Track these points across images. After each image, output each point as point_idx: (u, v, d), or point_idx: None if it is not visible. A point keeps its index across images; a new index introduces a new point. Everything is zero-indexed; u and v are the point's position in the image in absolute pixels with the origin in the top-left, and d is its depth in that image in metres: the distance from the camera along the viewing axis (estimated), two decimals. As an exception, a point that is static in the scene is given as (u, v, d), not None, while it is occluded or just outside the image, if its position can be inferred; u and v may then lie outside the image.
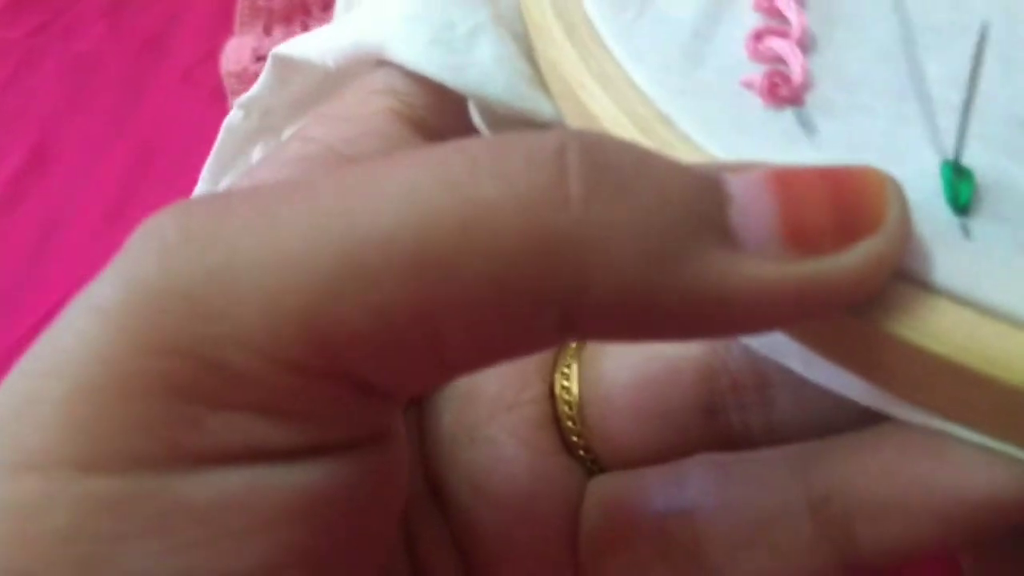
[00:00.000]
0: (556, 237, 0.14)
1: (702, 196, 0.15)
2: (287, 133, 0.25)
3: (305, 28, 0.42)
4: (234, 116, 0.25)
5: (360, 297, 0.14)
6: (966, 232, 0.16)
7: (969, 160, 0.17)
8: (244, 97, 0.25)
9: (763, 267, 0.15)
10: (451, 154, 0.15)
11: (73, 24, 0.48)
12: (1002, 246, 0.16)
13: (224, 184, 0.26)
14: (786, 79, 0.18)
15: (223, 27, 0.44)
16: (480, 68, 0.20)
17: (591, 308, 0.14)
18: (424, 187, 0.14)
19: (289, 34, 0.41)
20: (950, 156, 0.17)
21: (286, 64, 0.23)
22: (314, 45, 0.23)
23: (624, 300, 0.14)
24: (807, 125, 0.18)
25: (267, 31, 0.42)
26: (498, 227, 0.14)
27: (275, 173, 0.19)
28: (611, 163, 0.15)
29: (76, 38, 0.47)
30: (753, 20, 0.19)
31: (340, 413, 0.15)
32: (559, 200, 0.14)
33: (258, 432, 0.14)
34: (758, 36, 0.19)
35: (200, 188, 0.25)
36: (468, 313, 0.14)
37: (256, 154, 0.26)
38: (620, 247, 0.14)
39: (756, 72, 0.18)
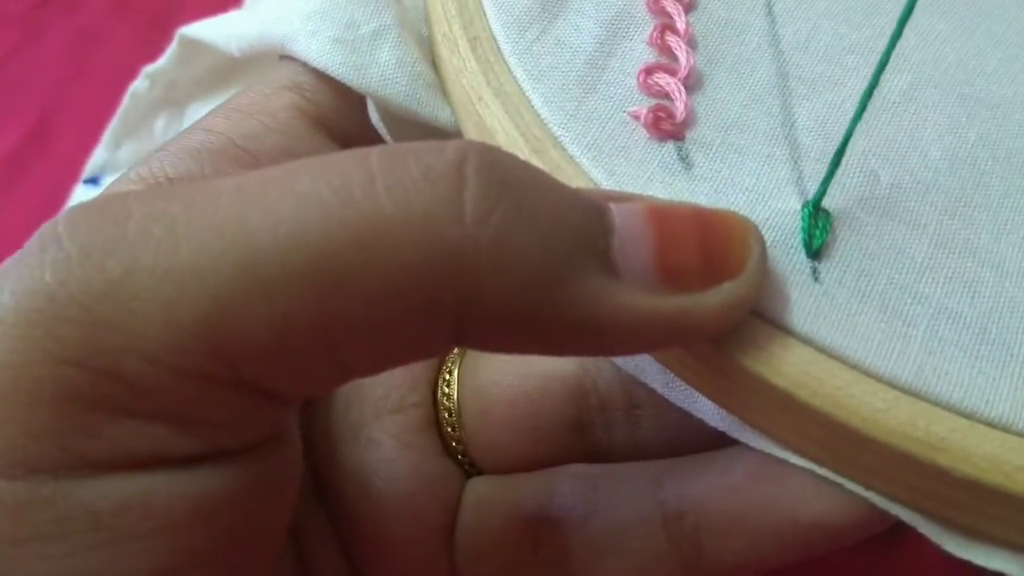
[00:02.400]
0: (451, 252, 0.15)
1: (590, 223, 0.16)
2: (190, 108, 0.25)
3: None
4: (140, 84, 0.25)
5: (258, 308, 0.14)
6: (815, 275, 0.18)
7: (826, 204, 0.18)
8: (151, 67, 0.25)
9: (636, 297, 0.16)
10: (349, 165, 0.15)
11: (76, -2, 0.46)
12: (844, 292, 0.18)
13: (124, 150, 0.26)
14: (670, 114, 0.19)
15: (227, 3, 0.43)
16: (381, 70, 0.21)
17: (481, 320, 0.15)
18: (322, 199, 0.14)
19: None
20: (810, 199, 0.18)
21: (193, 45, 0.24)
22: (221, 30, 0.23)
23: (512, 315, 0.15)
24: (685, 160, 0.19)
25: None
26: (394, 242, 0.14)
27: (175, 163, 0.19)
28: (509, 181, 0.15)
29: (79, 12, 0.46)
30: (646, 55, 0.20)
31: (239, 419, 0.15)
32: (455, 215, 0.15)
33: (157, 439, 0.15)
34: (648, 71, 0.20)
35: (100, 151, 0.26)
36: (364, 322, 0.15)
37: (159, 124, 0.26)
38: (513, 265, 0.15)
39: (644, 105, 0.20)
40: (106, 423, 0.14)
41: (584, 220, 0.16)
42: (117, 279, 0.14)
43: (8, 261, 0.15)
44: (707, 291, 0.16)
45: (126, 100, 0.25)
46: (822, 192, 0.18)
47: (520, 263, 0.15)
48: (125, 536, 0.14)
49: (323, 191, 0.15)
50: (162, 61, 0.24)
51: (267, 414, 0.16)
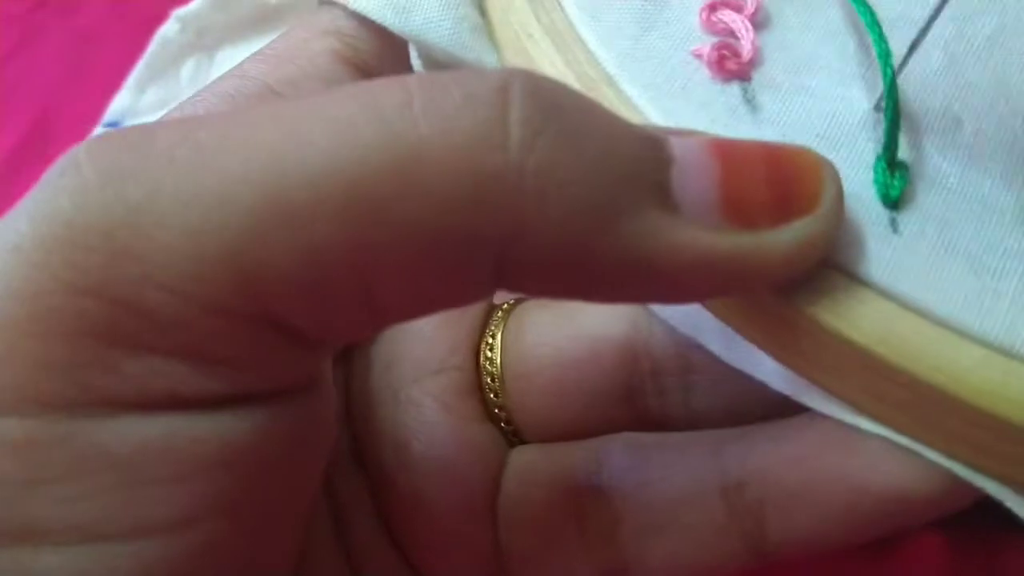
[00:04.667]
0: (493, 180, 0.13)
1: (646, 154, 0.15)
2: (220, 55, 0.24)
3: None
4: (169, 28, 0.24)
5: (287, 237, 0.13)
6: (894, 226, 0.16)
7: (904, 154, 0.17)
8: (182, 10, 0.24)
9: (698, 234, 0.15)
10: (386, 89, 0.14)
11: (75, 0, 0.46)
12: (927, 243, 0.16)
13: (149, 95, 0.25)
14: (736, 53, 0.18)
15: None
16: (424, 13, 0.20)
17: (525, 258, 0.14)
18: (356, 124, 0.13)
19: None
20: (881, 151, 0.17)
21: (227, -14, 0.23)
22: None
23: (559, 252, 0.14)
24: (752, 102, 0.18)
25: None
26: (432, 168, 0.13)
27: (209, 108, 0.18)
28: (556, 109, 0.14)
29: (78, 13, 0.46)
30: (708, -10, 0.19)
31: (265, 360, 0.14)
32: (498, 142, 0.13)
33: (179, 378, 0.14)
34: (712, 7, 0.18)
35: (123, 95, 0.25)
36: (399, 257, 0.14)
37: (187, 69, 0.25)
38: (559, 197, 0.14)
39: (707, 43, 0.18)
40: (124, 358, 0.13)
41: (640, 150, 0.15)
42: (138, 205, 0.13)
43: (31, 190, 0.14)
44: (777, 228, 0.15)
45: (153, 44, 0.24)
46: (892, 141, 0.17)
47: (568, 194, 0.14)
48: (143, 480, 0.14)
49: (357, 115, 0.14)
50: (194, 4, 0.23)
51: (296, 358, 0.15)
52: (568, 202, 0.14)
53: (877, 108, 0.17)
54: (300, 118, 0.14)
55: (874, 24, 0.17)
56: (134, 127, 0.14)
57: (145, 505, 0.14)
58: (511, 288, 0.15)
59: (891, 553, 0.31)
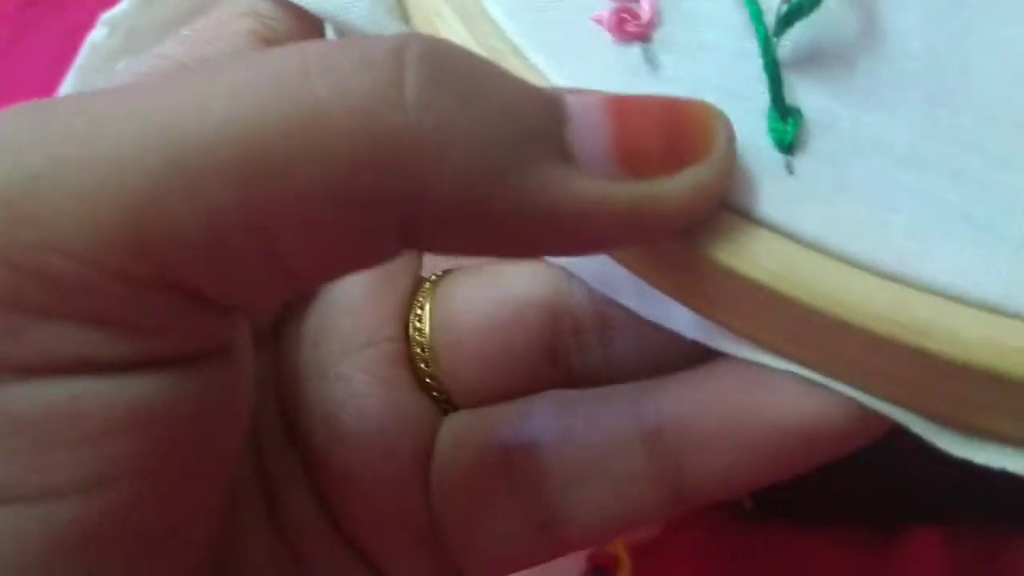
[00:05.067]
0: (391, 140, 0.14)
1: (542, 112, 0.15)
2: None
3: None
4: (98, 33, 0.24)
5: (185, 200, 0.14)
6: (789, 169, 0.17)
7: (799, 99, 0.17)
8: (109, 14, 0.24)
9: (594, 184, 0.15)
10: (283, 55, 0.14)
11: (67, -3, 0.46)
12: (821, 183, 0.17)
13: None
14: (635, 15, 0.19)
15: None
16: None
17: (428, 215, 0.14)
18: (253, 87, 0.14)
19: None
20: (769, 100, 0.17)
21: (151, -16, 0.23)
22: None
23: (460, 208, 0.14)
24: (652, 62, 0.18)
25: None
26: (330, 130, 0.14)
27: None
28: (453, 69, 0.15)
29: (69, 11, 0.46)
30: (609, -44, 0.19)
31: (172, 324, 0.15)
32: (394, 101, 0.14)
33: (84, 342, 0.14)
34: (612, -29, 0.19)
35: None
36: (300, 219, 0.14)
37: (118, 76, 0.25)
38: (458, 154, 0.14)
39: (608, 9, 0.19)
40: (28, 324, 0.14)
41: (537, 108, 0.15)
42: (37, 172, 0.14)
43: None
44: (672, 176, 0.16)
45: (83, 52, 0.25)
46: (777, 93, 0.17)
47: (466, 151, 0.14)
48: (50, 443, 0.14)
49: (254, 79, 0.14)
50: (122, 5, 0.24)
51: (206, 323, 0.15)
52: (466, 159, 0.14)
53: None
54: (197, 84, 0.14)
55: None
56: (33, 103, 0.15)
57: (53, 467, 0.14)
58: (419, 246, 0.16)
59: (891, 552, 0.32)
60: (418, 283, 0.21)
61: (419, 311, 0.21)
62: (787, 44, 0.18)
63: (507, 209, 0.15)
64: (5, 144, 0.14)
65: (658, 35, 0.19)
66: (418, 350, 0.21)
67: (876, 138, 0.17)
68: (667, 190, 0.16)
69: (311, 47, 0.14)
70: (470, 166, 0.14)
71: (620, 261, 0.18)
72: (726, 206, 0.17)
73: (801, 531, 0.32)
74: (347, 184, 0.14)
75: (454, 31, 0.19)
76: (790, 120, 0.17)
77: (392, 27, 0.21)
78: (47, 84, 0.44)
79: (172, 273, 0.14)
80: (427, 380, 0.21)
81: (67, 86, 0.24)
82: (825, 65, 0.18)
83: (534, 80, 0.18)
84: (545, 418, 0.19)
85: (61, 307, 0.14)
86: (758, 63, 0.18)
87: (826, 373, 0.16)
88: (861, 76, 0.18)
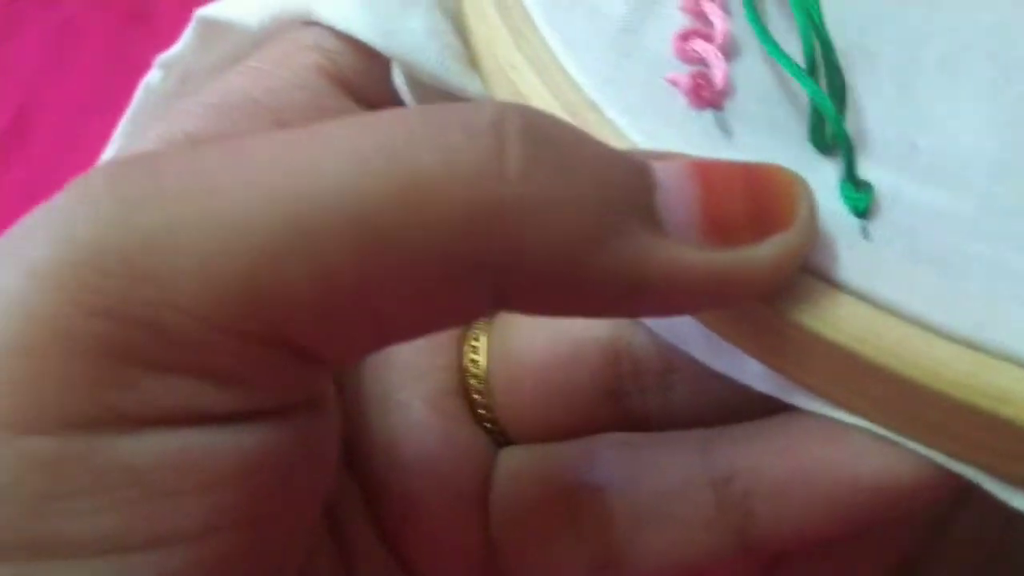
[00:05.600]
0: (494, 209, 0.14)
1: (632, 180, 0.16)
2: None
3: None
4: (153, 76, 0.24)
5: (302, 262, 0.14)
6: (865, 234, 0.18)
7: (865, 175, 0.18)
8: (165, 56, 0.24)
9: (683, 252, 0.16)
10: (389, 122, 0.15)
11: (56, -10, 0.46)
12: (895, 250, 0.17)
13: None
14: (709, 82, 0.19)
15: (207, -1, 0.43)
16: (412, 36, 0.21)
17: (523, 280, 0.15)
18: (364, 153, 0.14)
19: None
20: (844, 174, 0.18)
21: (210, 26, 0.23)
22: (240, 7, 0.22)
23: (555, 275, 0.15)
24: (725, 129, 0.19)
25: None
26: (438, 198, 0.14)
27: (194, 120, 0.19)
28: (549, 140, 0.15)
29: (59, 4, 0.46)
30: (681, 20, 0.20)
31: (277, 379, 0.15)
32: (497, 172, 0.14)
33: (194, 395, 0.14)
34: (684, 37, 0.19)
35: (112, 149, 0.25)
36: (406, 280, 0.14)
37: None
38: (556, 222, 0.15)
39: (681, 71, 0.19)
40: (143, 377, 0.14)
41: (627, 177, 0.16)
42: (155, 231, 0.14)
43: (37, 213, 0.15)
44: (758, 244, 0.16)
45: (138, 95, 0.25)
46: (850, 168, 0.18)
47: (563, 220, 0.15)
48: (163, 492, 0.14)
49: (364, 144, 0.14)
50: (177, 47, 0.24)
51: (305, 376, 0.16)
52: (563, 228, 0.15)
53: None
54: (311, 147, 0.15)
55: (802, 76, 0.18)
56: (142, 155, 0.15)
57: (164, 516, 0.14)
58: (510, 308, 0.16)
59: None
60: None
61: (475, 343, 0.21)
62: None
63: (598, 276, 0.15)
64: (123, 201, 0.14)
65: (730, 104, 0.19)
66: (473, 381, 0.21)
67: (940, 211, 0.18)
68: (755, 258, 0.16)
69: (414, 116, 0.15)
70: (566, 235, 0.15)
71: (697, 316, 0.18)
72: (805, 269, 0.17)
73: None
74: (451, 251, 0.14)
75: (531, 85, 0.20)
76: (862, 191, 0.18)
77: (462, 74, 0.21)
78: (38, 76, 0.44)
79: (282, 330, 0.14)
80: (481, 412, 0.21)
81: (121, 129, 0.24)
82: (887, 146, 0.19)
83: (612, 137, 0.19)
84: (611, 460, 0.20)
85: (174, 361, 0.14)
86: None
87: (900, 432, 0.17)
88: (924, 151, 0.18)
